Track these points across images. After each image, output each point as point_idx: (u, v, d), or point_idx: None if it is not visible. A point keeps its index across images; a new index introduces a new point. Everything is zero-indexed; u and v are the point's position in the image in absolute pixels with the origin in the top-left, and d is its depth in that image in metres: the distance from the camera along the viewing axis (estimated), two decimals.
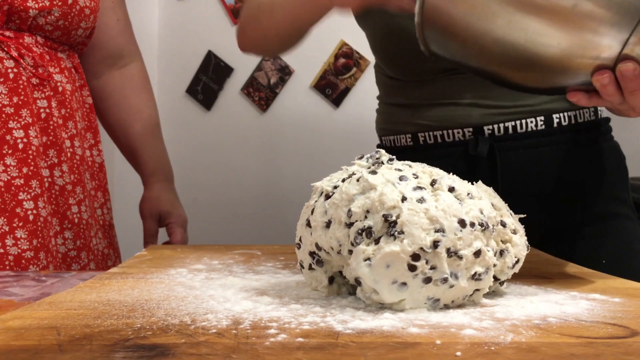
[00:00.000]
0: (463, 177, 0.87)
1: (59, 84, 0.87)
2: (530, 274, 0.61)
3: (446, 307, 0.43)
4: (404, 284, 0.41)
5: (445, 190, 0.44)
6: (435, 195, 0.44)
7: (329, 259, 0.46)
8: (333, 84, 1.72)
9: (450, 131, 0.89)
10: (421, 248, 0.41)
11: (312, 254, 0.47)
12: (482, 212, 0.44)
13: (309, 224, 0.47)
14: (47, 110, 0.86)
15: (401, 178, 0.44)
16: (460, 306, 0.44)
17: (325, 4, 0.76)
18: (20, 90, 0.82)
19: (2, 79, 0.80)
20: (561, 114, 0.88)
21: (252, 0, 0.87)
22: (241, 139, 1.83)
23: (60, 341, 0.31)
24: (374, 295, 0.42)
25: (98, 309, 0.40)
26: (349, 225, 0.44)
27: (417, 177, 0.45)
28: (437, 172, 0.47)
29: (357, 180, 0.45)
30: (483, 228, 0.44)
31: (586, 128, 0.90)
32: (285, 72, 1.77)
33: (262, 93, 1.78)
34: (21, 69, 0.83)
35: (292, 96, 1.76)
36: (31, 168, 0.82)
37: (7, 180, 0.79)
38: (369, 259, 0.41)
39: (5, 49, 0.81)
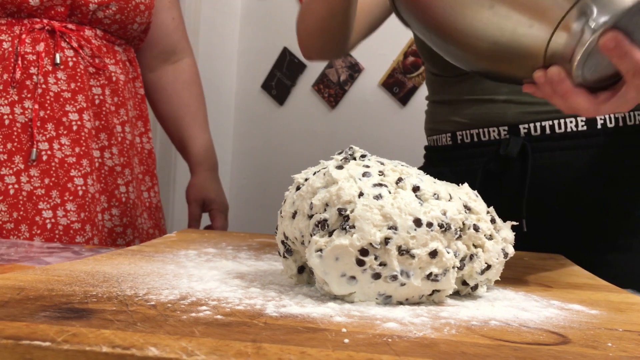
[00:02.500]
0: (493, 178, 0.86)
1: (113, 74, 0.96)
2: (531, 281, 0.60)
3: (401, 304, 0.44)
4: (353, 277, 0.43)
5: (408, 189, 0.45)
6: (395, 193, 0.44)
7: (297, 249, 0.49)
8: (401, 82, 1.72)
9: (485, 130, 0.88)
10: (370, 244, 0.42)
11: (282, 242, 0.49)
12: (444, 214, 0.45)
13: (281, 213, 0.49)
14: (101, 97, 0.95)
15: (365, 174, 0.46)
16: (417, 304, 0.45)
17: None
18: (77, 77, 0.92)
19: (62, 67, 0.90)
20: (607, 115, 0.83)
21: (303, 14, 0.92)
22: (310, 134, 1.87)
23: (12, 298, 0.36)
24: (325, 286, 0.44)
25: (76, 278, 0.45)
26: (310, 217, 0.45)
27: (382, 175, 0.46)
28: (409, 172, 0.48)
29: (324, 174, 0.47)
30: (443, 229, 0.44)
31: (636, 131, 0.85)
32: (354, 70, 1.79)
33: (331, 90, 1.81)
34: (80, 58, 0.92)
35: (361, 94, 1.78)
36: (83, 148, 0.91)
37: (61, 157, 0.89)
38: (320, 250, 0.43)
39: (67, 39, 0.91)
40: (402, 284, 0.43)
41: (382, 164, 0.48)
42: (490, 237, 0.48)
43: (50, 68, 0.89)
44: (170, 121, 1.10)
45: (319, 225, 0.44)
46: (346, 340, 0.31)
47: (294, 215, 0.47)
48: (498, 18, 0.50)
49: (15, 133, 0.88)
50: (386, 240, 0.42)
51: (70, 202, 0.88)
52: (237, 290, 0.45)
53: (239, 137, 1.94)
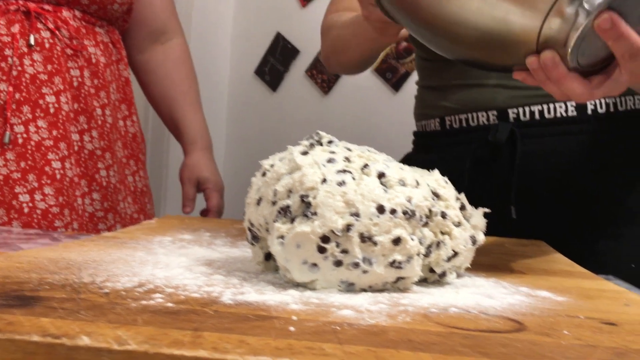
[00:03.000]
0: (482, 164, 0.86)
1: (92, 55, 0.95)
2: (506, 267, 0.59)
3: (364, 291, 0.44)
4: (315, 265, 0.42)
5: (373, 175, 0.45)
6: (360, 180, 0.44)
7: (263, 236, 0.48)
8: (394, 68, 1.70)
9: (474, 114, 0.87)
10: (332, 230, 0.42)
11: (249, 229, 0.49)
12: (410, 201, 0.44)
13: (247, 200, 0.49)
14: (80, 80, 0.94)
15: (329, 160, 0.45)
16: (381, 291, 0.44)
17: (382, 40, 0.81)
18: (54, 59, 0.90)
19: (38, 48, 0.89)
20: (597, 100, 0.82)
21: (328, 38, 0.96)
22: (303, 121, 1.86)
23: None
24: (288, 273, 0.43)
25: (38, 264, 0.45)
26: (274, 203, 0.45)
27: (348, 161, 0.45)
28: (376, 158, 0.47)
29: (289, 161, 0.46)
30: (407, 216, 0.43)
31: (628, 117, 0.84)
32: None
33: (324, 75, 1.80)
34: (56, 40, 0.91)
35: (354, 79, 1.76)
36: (60, 131, 0.90)
37: (37, 140, 0.88)
38: (282, 237, 0.43)
39: (43, 21, 0.90)
40: (365, 271, 0.42)
41: (349, 150, 0.47)
42: (459, 224, 0.48)
43: (25, 50, 0.88)
44: (162, 103, 1.09)
45: (282, 212, 0.44)
46: (292, 329, 0.31)
47: (258, 201, 0.47)
48: (489, 5, 0.48)
49: None
50: (348, 227, 0.42)
51: (48, 186, 0.88)
52: (199, 278, 0.44)
53: (232, 124, 1.93)
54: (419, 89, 1.00)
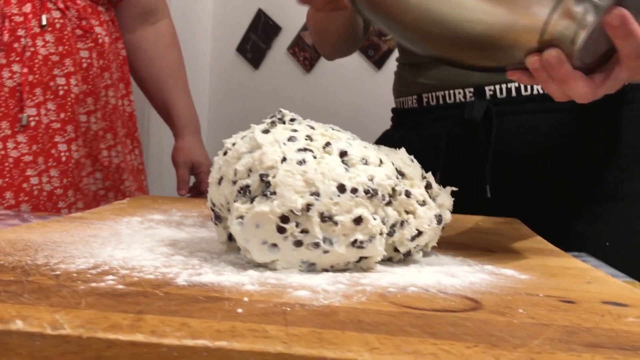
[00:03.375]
0: (459, 142, 0.85)
1: (99, 36, 0.94)
2: (476, 246, 0.59)
3: (326, 271, 0.43)
4: (275, 245, 0.42)
5: (334, 154, 0.44)
6: (320, 158, 0.43)
7: (225, 216, 0.47)
8: (376, 45, 1.68)
9: (451, 92, 0.86)
10: (291, 210, 0.41)
11: (212, 209, 0.48)
12: (372, 180, 0.43)
13: (210, 179, 0.48)
14: (89, 61, 0.93)
15: (290, 138, 0.44)
16: (344, 271, 0.44)
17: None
18: (65, 40, 0.89)
19: (50, 28, 0.88)
20: None
21: (311, 27, 0.94)
22: (286, 98, 1.85)
23: None
24: (248, 254, 0.43)
25: None
26: (235, 183, 0.44)
27: (309, 139, 0.45)
28: (339, 136, 0.46)
29: (249, 139, 0.45)
30: (369, 195, 0.43)
31: (607, 95, 0.83)
32: None
33: (307, 53, 1.78)
34: (66, 20, 0.89)
35: None
36: (68, 114, 0.90)
37: (47, 123, 0.88)
38: (241, 217, 0.42)
39: (53, 0, 0.88)
40: (325, 251, 0.42)
41: (312, 128, 0.47)
42: (424, 203, 0.47)
43: (37, 30, 0.87)
44: (151, 84, 1.09)
45: (242, 191, 0.43)
46: (240, 310, 0.30)
47: (220, 181, 0.46)
48: (486, 4, 0.45)
49: (3, 98, 0.86)
50: (308, 207, 0.41)
51: (53, 169, 0.87)
52: (159, 259, 0.44)
53: (214, 101, 1.91)
54: (399, 65, 0.99)
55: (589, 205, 0.82)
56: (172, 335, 0.25)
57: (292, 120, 0.47)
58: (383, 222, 0.44)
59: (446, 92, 0.87)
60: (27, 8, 0.87)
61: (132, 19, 1.06)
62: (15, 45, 0.86)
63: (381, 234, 0.44)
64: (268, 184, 0.42)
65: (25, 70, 0.85)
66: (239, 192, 0.43)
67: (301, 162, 0.42)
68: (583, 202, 0.82)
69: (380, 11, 0.52)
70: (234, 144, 0.47)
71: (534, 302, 0.37)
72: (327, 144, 0.44)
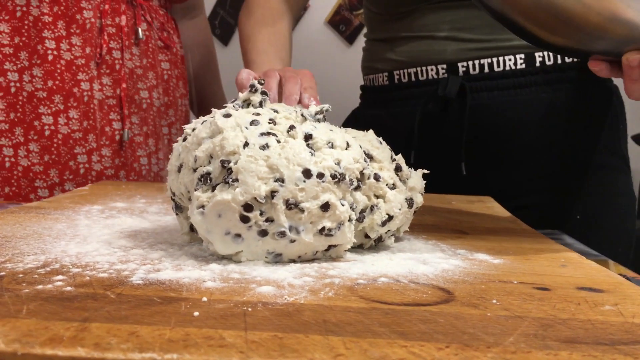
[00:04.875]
0: (432, 119, 0.84)
1: (174, 45, 0.93)
2: (449, 227, 0.58)
3: (294, 262, 0.41)
4: (239, 235, 0.39)
5: (299, 138, 0.42)
6: (284, 143, 0.41)
7: (186, 205, 0.45)
8: (347, 20, 1.65)
9: (424, 68, 0.84)
10: (255, 198, 0.39)
11: (172, 199, 0.46)
12: (338, 164, 0.41)
13: (168, 167, 0.45)
14: (169, 73, 0.92)
15: (252, 122, 0.42)
16: (312, 260, 0.42)
17: None
18: (149, 53, 0.88)
19: (136, 41, 0.86)
20: (545, 52, 0.81)
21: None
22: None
23: None
24: (210, 245, 0.41)
25: None
26: (195, 170, 0.42)
27: (272, 123, 0.42)
28: (305, 118, 0.44)
29: (210, 124, 0.42)
30: (336, 180, 0.41)
31: (576, 68, 0.82)
32: None
33: None
34: (152, 32, 0.88)
35: (306, 32, 1.71)
36: (150, 127, 0.89)
37: (130, 137, 0.87)
38: (203, 207, 0.40)
39: (142, 12, 0.87)
40: (292, 241, 0.40)
41: (275, 111, 0.44)
42: (393, 187, 0.45)
43: (127, 43, 0.85)
44: (190, 78, 1.07)
45: (202, 179, 0.40)
46: (196, 313, 0.28)
47: (179, 168, 0.43)
48: None
49: (92, 111, 0.83)
50: (272, 194, 0.39)
51: (133, 182, 0.85)
52: (115, 253, 0.41)
53: None
54: (367, 41, 0.96)
55: (560, 180, 0.82)
56: (117, 348, 0.23)
57: (264, 93, 0.45)
58: (352, 208, 0.42)
59: (418, 69, 0.85)
60: (122, 20, 0.85)
61: (174, 13, 1.04)
62: (107, 57, 0.84)
63: (350, 220, 0.42)
64: (230, 170, 0.39)
65: (124, 85, 0.85)
66: (200, 179, 0.41)
67: (264, 147, 0.40)
68: (556, 177, 0.82)
69: None
70: (193, 129, 0.44)
71: (507, 291, 0.35)
72: (291, 127, 0.42)
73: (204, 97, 1.08)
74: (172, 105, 0.94)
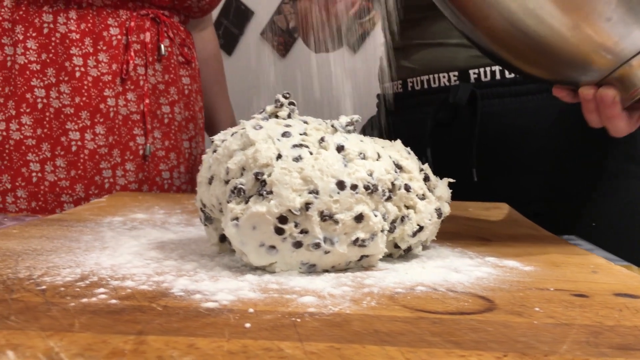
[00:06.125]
0: (444, 127, 0.84)
1: (193, 59, 0.94)
2: (471, 235, 0.58)
3: (327, 271, 0.41)
4: (273, 247, 0.40)
5: (331, 149, 0.42)
6: (317, 154, 0.41)
7: (216, 217, 0.45)
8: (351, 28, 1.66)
9: (436, 76, 0.85)
10: (289, 210, 0.39)
11: (202, 210, 0.46)
12: (371, 174, 0.41)
13: (198, 178, 0.45)
14: (189, 87, 0.93)
15: (284, 134, 0.42)
16: (345, 270, 0.42)
17: None
18: (171, 68, 0.89)
19: (159, 58, 0.87)
20: None
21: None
22: (261, 85, 1.81)
23: None
24: (244, 257, 0.41)
25: None
26: (227, 182, 0.42)
27: (304, 134, 0.42)
28: (336, 128, 0.44)
29: (241, 135, 0.43)
30: (369, 191, 0.41)
31: None
32: None
33: (281, 38, 1.75)
34: (174, 48, 0.89)
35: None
36: (172, 141, 0.89)
37: (153, 151, 0.87)
38: (237, 219, 0.40)
39: (165, 29, 0.87)
40: (326, 252, 0.40)
41: (305, 122, 0.44)
42: (423, 197, 0.45)
43: (150, 59, 0.86)
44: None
45: (235, 191, 0.40)
46: (248, 325, 0.28)
47: (210, 180, 0.44)
48: (579, 30, 0.47)
49: (117, 126, 0.84)
50: (307, 206, 0.39)
51: (149, 193, 0.85)
52: (149, 265, 0.41)
53: None
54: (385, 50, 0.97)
55: (575, 186, 0.82)
56: None
57: (291, 105, 0.45)
58: (384, 219, 0.42)
59: (430, 77, 0.86)
60: (147, 37, 0.85)
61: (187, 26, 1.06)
62: (132, 73, 0.85)
63: (382, 230, 0.42)
64: (264, 182, 0.40)
65: (147, 100, 0.86)
66: (232, 191, 0.41)
67: (297, 159, 0.40)
68: (569, 183, 0.82)
69: None
70: (223, 141, 0.44)
71: (546, 298, 0.35)
72: (322, 138, 0.42)
73: (211, 108, 1.09)
74: (192, 119, 0.94)
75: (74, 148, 0.82)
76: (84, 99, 0.82)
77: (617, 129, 0.53)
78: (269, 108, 0.46)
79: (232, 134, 0.44)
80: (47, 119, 0.82)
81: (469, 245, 0.52)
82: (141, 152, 0.86)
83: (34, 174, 0.82)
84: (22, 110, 0.81)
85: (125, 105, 0.85)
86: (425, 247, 0.50)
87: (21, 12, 0.81)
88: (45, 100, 0.81)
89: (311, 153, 0.41)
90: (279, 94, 0.46)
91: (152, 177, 0.88)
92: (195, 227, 0.58)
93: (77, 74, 0.82)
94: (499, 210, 0.75)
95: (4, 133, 0.81)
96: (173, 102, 0.90)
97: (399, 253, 0.46)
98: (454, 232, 0.59)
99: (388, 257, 0.46)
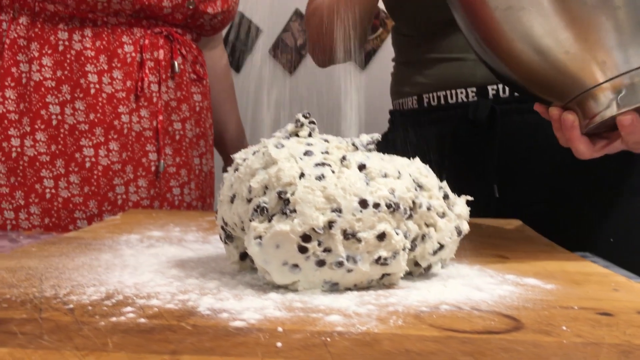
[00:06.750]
0: (463, 142, 0.84)
1: (204, 77, 0.95)
2: (487, 252, 0.58)
3: (349, 289, 0.41)
4: (296, 265, 0.40)
5: (353, 167, 0.42)
6: (339, 173, 0.41)
7: (238, 235, 0.45)
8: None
9: (453, 91, 0.85)
10: (313, 228, 0.39)
11: (222, 228, 0.46)
12: (393, 193, 0.42)
13: (220, 197, 0.46)
14: (200, 104, 0.94)
15: (306, 153, 0.42)
16: (366, 288, 0.42)
17: None
18: (183, 86, 0.90)
19: (172, 75, 0.88)
20: None
21: (314, 22, 0.91)
22: (270, 101, 1.82)
23: None
24: (267, 275, 0.41)
25: None
26: (249, 201, 0.42)
27: (325, 153, 0.43)
28: (356, 146, 0.45)
29: (263, 154, 0.43)
30: (391, 210, 0.41)
31: None
32: None
33: (288, 55, 1.76)
34: (187, 65, 0.90)
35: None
36: (183, 158, 0.90)
37: (165, 168, 0.88)
38: (260, 237, 0.40)
39: (178, 47, 0.89)
40: (349, 270, 0.40)
41: (326, 141, 0.45)
42: (443, 215, 0.46)
43: (164, 76, 0.87)
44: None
45: (258, 210, 0.41)
46: (279, 344, 0.28)
47: (232, 199, 0.44)
48: (552, 55, 0.52)
49: (130, 142, 0.85)
50: (330, 224, 0.39)
51: (162, 210, 0.86)
52: (172, 283, 0.41)
53: None
54: (395, 65, 0.97)
55: (591, 202, 0.82)
56: None
57: (312, 125, 0.46)
58: (405, 237, 0.43)
59: (447, 92, 0.85)
60: (160, 54, 0.86)
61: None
62: (146, 90, 0.86)
63: (404, 249, 0.42)
64: (287, 201, 0.40)
65: (161, 117, 0.86)
66: (255, 210, 0.41)
67: (320, 178, 0.40)
68: (585, 199, 0.82)
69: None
70: (245, 160, 0.45)
71: (572, 317, 0.35)
72: (344, 157, 0.43)
73: (221, 126, 1.09)
74: (202, 135, 0.95)
75: (87, 164, 0.83)
76: (98, 115, 0.83)
77: (577, 152, 0.57)
78: (290, 127, 0.46)
79: (254, 153, 0.44)
80: (61, 135, 0.82)
81: (486, 263, 0.52)
82: (153, 168, 0.87)
83: (47, 190, 0.82)
84: (36, 126, 0.82)
85: (138, 121, 0.85)
86: (443, 265, 0.50)
87: (37, 30, 0.82)
88: (60, 117, 0.82)
89: (333, 172, 0.41)
90: (299, 114, 0.47)
91: (164, 193, 0.88)
92: (211, 245, 0.58)
93: (92, 91, 0.83)
94: (513, 227, 0.75)
95: (19, 149, 0.82)
96: (184, 118, 0.90)
97: (419, 271, 0.46)
98: (471, 249, 0.59)
99: (408, 275, 0.46)
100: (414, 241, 0.44)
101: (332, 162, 0.42)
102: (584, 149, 0.57)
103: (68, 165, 0.82)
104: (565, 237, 0.79)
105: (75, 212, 0.83)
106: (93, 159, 0.83)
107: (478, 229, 0.74)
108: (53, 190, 0.82)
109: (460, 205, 0.49)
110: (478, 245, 0.62)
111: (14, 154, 0.82)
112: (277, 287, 0.41)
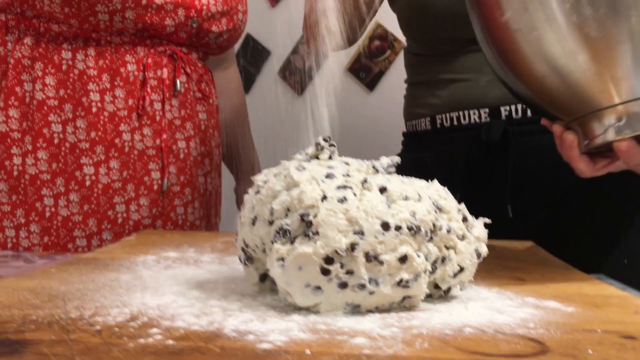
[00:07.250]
0: (476, 163, 0.84)
1: (211, 95, 0.95)
2: (504, 274, 0.58)
3: (370, 312, 0.42)
4: (318, 287, 0.40)
5: (374, 190, 0.42)
6: (361, 196, 0.42)
7: (258, 257, 0.46)
8: (367, 67, 1.69)
9: (466, 112, 0.85)
10: (335, 251, 0.39)
11: (243, 250, 0.46)
12: (414, 215, 0.42)
13: (241, 219, 0.46)
14: (206, 123, 0.94)
15: (328, 175, 0.43)
16: (387, 311, 0.42)
17: None
18: (187, 104, 0.90)
19: (175, 93, 0.89)
20: None
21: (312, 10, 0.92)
22: (278, 123, 1.83)
23: None
24: (289, 297, 0.41)
25: (18, 298, 0.42)
26: (271, 223, 0.42)
27: (347, 175, 0.43)
28: (377, 168, 0.45)
29: (284, 177, 0.43)
30: (413, 232, 0.41)
31: None
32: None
33: (297, 76, 1.78)
34: (191, 84, 0.90)
35: (327, 79, 1.75)
36: (187, 177, 0.90)
37: (168, 187, 0.88)
38: (282, 259, 0.40)
39: (182, 65, 0.89)
40: (371, 292, 0.40)
41: (347, 163, 0.45)
42: (463, 237, 0.46)
43: (167, 95, 0.87)
44: (222, 130, 1.09)
45: (281, 232, 0.41)
46: None
47: (253, 221, 0.44)
48: (562, 75, 0.54)
49: (132, 161, 0.85)
50: (352, 247, 0.40)
51: (176, 231, 0.86)
52: (194, 305, 0.42)
53: None
54: (408, 87, 0.98)
55: (605, 224, 0.82)
56: None
57: (331, 148, 0.46)
58: (426, 259, 0.43)
59: (460, 113, 0.86)
60: (164, 73, 0.87)
61: (208, 64, 1.07)
62: (149, 109, 0.86)
63: (425, 271, 0.42)
64: (309, 223, 0.40)
65: (165, 136, 0.86)
66: (277, 232, 0.41)
67: (342, 200, 0.41)
68: (599, 221, 0.82)
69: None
70: (266, 182, 0.45)
71: (597, 341, 0.35)
72: (365, 180, 0.43)
73: (234, 146, 1.10)
74: (208, 154, 0.95)
75: (87, 182, 0.83)
76: (99, 133, 0.83)
77: (577, 170, 0.59)
78: (310, 150, 0.47)
79: (275, 175, 0.45)
80: (62, 153, 0.82)
81: (505, 285, 0.52)
82: (156, 187, 0.86)
83: (47, 208, 0.82)
84: (38, 145, 0.82)
85: (141, 140, 0.85)
86: (462, 287, 0.50)
87: (41, 50, 0.83)
88: (61, 135, 0.82)
89: (355, 194, 0.42)
90: (319, 137, 0.47)
91: (167, 212, 0.88)
92: (228, 266, 0.58)
93: (94, 109, 0.83)
94: (526, 248, 0.75)
95: (20, 168, 0.82)
96: (189, 137, 0.90)
97: (438, 294, 0.46)
98: (486, 271, 0.59)
99: (427, 297, 0.46)
100: (434, 264, 0.44)
101: (354, 184, 0.42)
102: (583, 168, 0.59)
103: (68, 184, 0.82)
104: (579, 259, 0.79)
105: (75, 231, 0.83)
106: (93, 177, 0.83)
107: (491, 250, 0.73)
108: (53, 209, 0.82)
109: (479, 227, 0.49)
110: (493, 267, 0.62)
111: (15, 173, 0.82)
112: (299, 309, 0.41)
